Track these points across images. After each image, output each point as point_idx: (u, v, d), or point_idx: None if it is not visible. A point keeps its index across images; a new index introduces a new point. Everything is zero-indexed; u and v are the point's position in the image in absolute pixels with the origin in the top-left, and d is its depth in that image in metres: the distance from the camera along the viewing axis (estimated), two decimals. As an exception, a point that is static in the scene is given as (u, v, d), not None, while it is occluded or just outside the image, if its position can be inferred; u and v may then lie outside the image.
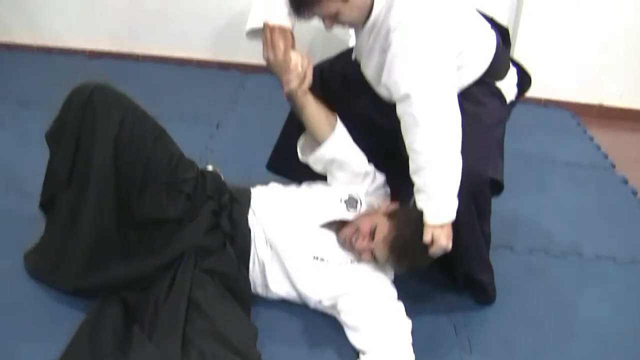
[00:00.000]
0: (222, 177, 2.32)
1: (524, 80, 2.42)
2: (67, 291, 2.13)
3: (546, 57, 4.22)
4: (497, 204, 2.98)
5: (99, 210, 2.04)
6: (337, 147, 2.35)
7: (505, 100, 2.34)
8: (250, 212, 2.25)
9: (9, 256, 2.28)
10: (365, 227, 2.15)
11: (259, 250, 2.20)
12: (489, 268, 2.34)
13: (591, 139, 3.92)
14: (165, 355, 1.80)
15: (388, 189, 2.46)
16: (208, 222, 2.15)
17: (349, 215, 2.26)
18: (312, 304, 2.20)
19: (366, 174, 2.40)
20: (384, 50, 2.06)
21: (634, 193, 3.31)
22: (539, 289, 2.48)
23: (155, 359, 1.80)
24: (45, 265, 2.18)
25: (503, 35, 2.34)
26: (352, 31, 2.34)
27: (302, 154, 2.46)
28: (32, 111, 3.54)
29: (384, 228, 2.12)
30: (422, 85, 1.97)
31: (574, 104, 4.35)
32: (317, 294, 2.16)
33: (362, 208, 2.30)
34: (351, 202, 2.31)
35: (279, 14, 2.16)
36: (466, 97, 2.15)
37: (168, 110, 3.53)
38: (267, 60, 2.21)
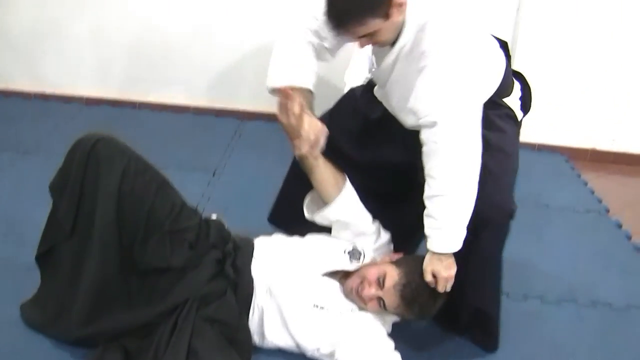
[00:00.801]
0: (226, 225, 2.33)
1: (526, 91, 2.44)
2: (67, 340, 2.13)
3: (539, 102, 4.25)
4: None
5: (102, 259, 2.06)
6: (343, 209, 2.36)
7: (517, 119, 2.36)
8: (253, 260, 2.26)
9: (7, 304, 2.28)
10: (372, 275, 2.16)
11: (259, 298, 2.20)
12: (499, 301, 2.35)
13: (585, 183, 3.96)
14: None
15: (392, 246, 2.47)
16: (211, 271, 2.16)
17: (351, 266, 2.28)
18: (309, 353, 2.19)
19: (370, 234, 2.41)
20: (415, 72, 2.04)
21: (628, 237, 3.32)
22: (535, 336, 2.48)
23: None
24: (45, 317, 2.17)
25: (504, 48, 2.34)
26: (356, 66, 2.35)
27: (308, 212, 2.46)
28: (31, 158, 3.57)
29: (393, 275, 2.14)
30: (452, 114, 1.97)
31: (567, 148, 4.39)
32: (315, 342, 2.16)
33: (365, 261, 2.32)
34: (354, 254, 2.32)
35: (299, 73, 2.18)
36: (486, 125, 2.12)
37: (165, 157, 3.54)
38: (280, 122, 2.21)
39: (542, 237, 3.23)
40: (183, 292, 2.10)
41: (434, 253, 2.08)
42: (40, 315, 2.20)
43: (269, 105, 4.40)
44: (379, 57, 2.22)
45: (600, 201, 3.71)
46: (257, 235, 2.40)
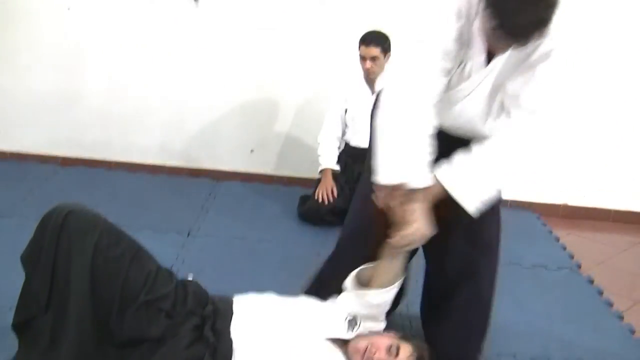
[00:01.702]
0: (203, 286, 2.32)
1: None
2: None
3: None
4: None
5: (79, 334, 2.03)
6: (387, 298, 2.36)
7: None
8: (233, 321, 2.23)
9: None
10: (383, 343, 2.17)
11: (238, 359, 2.17)
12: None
13: (557, 240, 4.00)
14: None
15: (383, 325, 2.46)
16: (190, 338, 2.13)
17: (347, 335, 2.27)
18: None
19: (379, 321, 2.42)
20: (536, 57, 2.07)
21: (600, 293, 3.36)
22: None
23: None
24: None
25: None
26: None
27: (351, 284, 2.42)
28: (5, 220, 3.55)
29: (407, 348, 2.18)
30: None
31: (539, 204, 4.46)
32: None
33: (358, 330, 2.31)
34: (352, 323, 2.31)
35: (418, 172, 2.11)
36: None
37: (140, 218, 3.58)
38: (388, 209, 2.17)
39: (514, 294, 3.24)
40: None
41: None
42: None
43: (244, 166, 4.48)
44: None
45: (572, 257, 3.76)
46: (233, 294, 2.38)
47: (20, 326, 2.18)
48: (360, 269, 2.40)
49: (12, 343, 2.21)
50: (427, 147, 2.09)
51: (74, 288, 2.03)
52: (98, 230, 2.08)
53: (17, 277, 2.17)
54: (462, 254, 2.41)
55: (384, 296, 2.35)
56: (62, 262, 2.05)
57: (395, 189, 2.11)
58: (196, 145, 4.50)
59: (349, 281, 2.41)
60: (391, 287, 2.34)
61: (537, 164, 4.27)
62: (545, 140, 4.23)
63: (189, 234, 3.59)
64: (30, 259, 2.13)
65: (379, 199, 2.17)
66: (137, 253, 2.16)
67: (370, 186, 2.21)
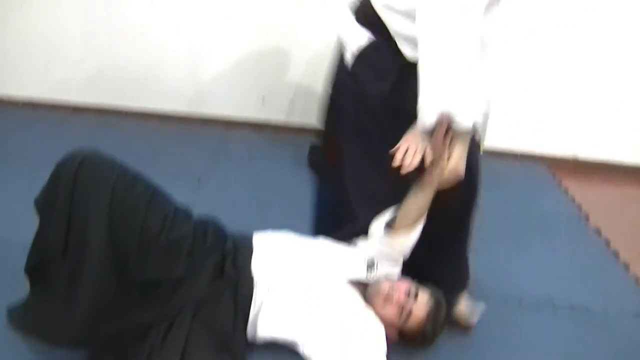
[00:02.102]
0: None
1: None
2: (59, 344, 2.14)
3: (521, 111, 4.33)
4: (474, 255, 3.05)
5: (99, 279, 2.05)
6: (409, 243, 2.41)
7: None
8: (253, 257, 2.27)
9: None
10: (404, 287, 2.24)
11: (258, 296, 2.20)
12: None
13: (565, 191, 4.01)
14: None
15: (399, 269, 2.52)
16: (211, 275, 2.17)
17: (367, 277, 2.33)
18: (300, 348, 2.21)
19: (398, 264, 2.47)
20: None
21: (607, 243, 3.38)
22: (513, 338, 2.53)
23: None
24: (40, 325, 2.17)
25: None
26: None
27: (379, 229, 2.46)
28: (17, 166, 3.58)
29: (425, 294, 2.23)
30: None
31: (548, 157, 4.46)
32: (311, 339, 2.17)
33: (377, 274, 2.37)
34: (371, 266, 2.38)
35: (470, 108, 2.12)
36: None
37: (150, 166, 3.56)
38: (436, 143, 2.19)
39: (521, 243, 3.28)
40: (181, 297, 2.11)
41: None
42: (34, 323, 2.19)
43: (255, 114, 4.48)
44: None
45: (580, 209, 3.77)
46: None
47: (34, 271, 2.20)
48: (388, 217, 2.44)
49: (25, 283, 2.24)
50: (475, 80, 2.08)
51: (92, 233, 2.03)
52: (114, 175, 2.08)
53: (30, 220, 2.18)
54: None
55: (409, 239, 2.39)
56: (79, 208, 2.05)
57: (441, 128, 2.12)
58: (207, 94, 4.50)
59: (378, 227, 2.44)
60: (415, 231, 2.38)
61: (547, 116, 4.30)
62: (556, 91, 4.25)
63: (199, 181, 3.62)
64: (44, 205, 2.13)
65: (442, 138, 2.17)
66: (154, 195, 2.17)
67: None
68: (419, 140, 2.20)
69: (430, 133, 2.16)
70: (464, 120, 2.11)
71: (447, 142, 2.16)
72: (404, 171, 2.21)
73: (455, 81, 2.06)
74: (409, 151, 2.20)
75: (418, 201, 2.33)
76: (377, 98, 2.31)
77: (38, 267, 2.18)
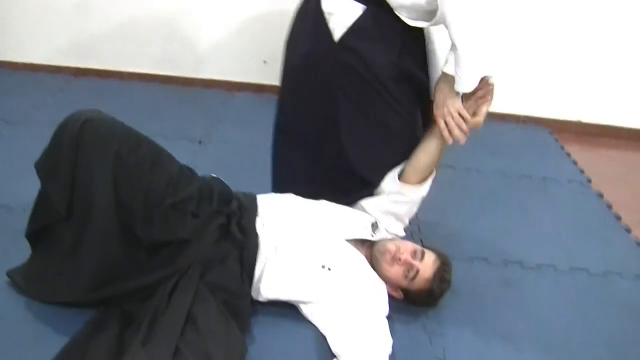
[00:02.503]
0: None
1: None
2: (67, 304, 2.14)
3: (525, 74, 4.30)
4: (475, 217, 3.07)
5: (104, 240, 2.05)
6: (419, 195, 2.50)
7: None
8: (258, 218, 2.28)
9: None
10: (409, 247, 2.28)
11: (263, 256, 2.22)
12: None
13: (568, 155, 3.99)
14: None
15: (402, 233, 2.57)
16: (217, 236, 2.18)
17: (373, 238, 2.37)
18: (303, 308, 2.24)
19: (405, 223, 2.55)
20: None
21: (609, 207, 3.37)
22: (514, 300, 2.53)
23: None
24: (43, 287, 2.17)
25: None
26: None
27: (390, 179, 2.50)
28: (19, 129, 3.58)
29: (431, 254, 2.28)
30: None
31: (552, 120, 4.43)
32: (314, 298, 2.21)
33: (380, 235, 2.41)
34: (375, 227, 2.42)
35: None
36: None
37: (151, 128, 3.56)
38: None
39: (523, 206, 3.27)
40: (187, 257, 2.12)
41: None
42: (38, 284, 2.19)
43: (257, 77, 4.45)
44: None
45: (582, 172, 3.76)
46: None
47: (36, 234, 2.20)
48: (399, 169, 2.49)
49: (26, 246, 2.25)
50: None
51: (96, 196, 2.02)
52: (117, 137, 2.06)
53: (31, 182, 2.18)
54: None
55: (421, 190, 2.47)
56: (83, 170, 2.03)
57: (479, 91, 2.30)
58: (209, 57, 4.47)
59: (390, 179, 2.48)
60: (426, 183, 2.46)
61: (551, 79, 4.27)
62: (561, 54, 4.21)
63: (200, 142, 3.61)
64: (46, 168, 2.10)
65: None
66: (158, 156, 2.16)
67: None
68: (455, 103, 2.29)
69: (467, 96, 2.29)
70: (495, 82, 2.27)
71: (482, 101, 2.30)
72: (462, 140, 2.32)
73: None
74: (455, 118, 2.30)
75: (429, 151, 2.41)
76: (386, 66, 2.33)
77: (41, 231, 2.17)
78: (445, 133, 2.32)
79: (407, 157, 2.47)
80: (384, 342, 2.09)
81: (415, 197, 2.48)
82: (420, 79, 2.40)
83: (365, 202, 2.50)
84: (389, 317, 2.21)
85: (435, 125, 2.38)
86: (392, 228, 2.49)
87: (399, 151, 2.50)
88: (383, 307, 2.23)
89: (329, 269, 2.22)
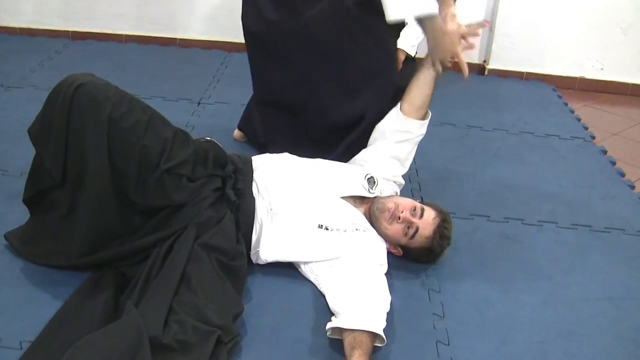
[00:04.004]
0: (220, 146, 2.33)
1: None
2: (63, 268, 2.15)
3: (527, 30, 4.24)
4: (476, 174, 3.04)
5: (99, 203, 2.04)
6: (419, 131, 2.55)
7: None
8: (254, 181, 2.28)
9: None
10: (408, 204, 2.26)
11: (259, 218, 2.22)
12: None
13: (571, 112, 3.95)
14: (148, 322, 1.80)
15: (398, 190, 2.57)
16: (212, 198, 2.17)
17: (369, 193, 2.35)
18: (302, 267, 2.24)
19: (404, 170, 2.58)
20: None
21: (613, 163, 3.34)
22: (514, 256, 2.52)
23: (137, 324, 1.79)
24: (40, 249, 2.18)
25: None
26: None
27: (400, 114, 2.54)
28: (15, 91, 3.56)
29: (430, 211, 2.26)
30: None
31: (555, 77, 4.38)
32: (313, 257, 2.21)
33: (377, 190, 2.38)
34: (371, 182, 2.39)
35: None
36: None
37: (150, 89, 3.57)
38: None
39: (526, 162, 3.25)
40: (183, 220, 2.11)
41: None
42: (34, 247, 2.20)
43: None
44: None
45: (585, 128, 3.72)
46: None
47: (33, 199, 2.20)
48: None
49: (23, 209, 2.25)
50: None
51: (90, 160, 2.01)
52: (110, 101, 2.02)
53: (28, 146, 2.16)
54: None
55: (423, 125, 2.53)
56: (76, 135, 2.02)
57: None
58: (208, 18, 4.43)
59: (393, 113, 2.54)
60: (425, 120, 2.53)
61: (553, 36, 4.22)
62: (563, 10, 4.15)
63: (199, 103, 3.59)
64: (39, 133, 2.10)
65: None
66: (152, 120, 2.12)
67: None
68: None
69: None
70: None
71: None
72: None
73: None
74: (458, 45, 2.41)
75: (424, 84, 2.49)
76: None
77: (37, 196, 2.18)
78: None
79: (393, 78, 2.60)
80: (383, 299, 2.08)
81: (418, 132, 2.52)
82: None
83: (368, 151, 2.53)
84: (387, 274, 2.20)
85: (427, 58, 2.45)
86: (393, 174, 2.52)
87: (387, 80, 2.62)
88: (382, 264, 2.22)
89: (326, 228, 2.21)
